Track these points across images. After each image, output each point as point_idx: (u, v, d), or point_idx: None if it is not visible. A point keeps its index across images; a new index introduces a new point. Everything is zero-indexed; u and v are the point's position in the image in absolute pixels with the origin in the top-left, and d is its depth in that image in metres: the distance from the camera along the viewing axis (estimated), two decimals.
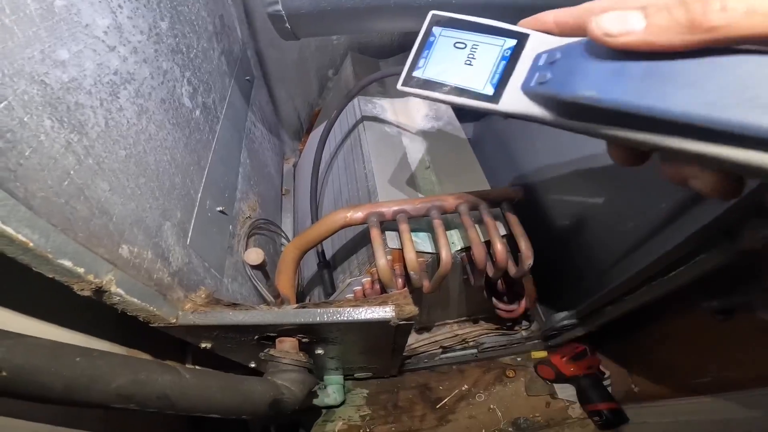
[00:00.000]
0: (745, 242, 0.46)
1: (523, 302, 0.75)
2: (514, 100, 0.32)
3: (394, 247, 0.57)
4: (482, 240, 0.56)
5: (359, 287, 0.66)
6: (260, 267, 0.45)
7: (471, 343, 0.98)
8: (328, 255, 0.79)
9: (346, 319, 0.47)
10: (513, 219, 0.57)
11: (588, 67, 0.26)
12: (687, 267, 0.57)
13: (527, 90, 0.31)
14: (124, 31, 0.39)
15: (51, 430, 0.42)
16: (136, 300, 0.37)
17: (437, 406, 1.07)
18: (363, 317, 0.48)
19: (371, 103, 0.84)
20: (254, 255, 0.43)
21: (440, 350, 0.99)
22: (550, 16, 0.31)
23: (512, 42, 0.33)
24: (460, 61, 0.35)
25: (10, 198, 0.25)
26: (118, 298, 0.36)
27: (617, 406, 0.98)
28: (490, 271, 0.57)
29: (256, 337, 0.52)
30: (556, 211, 0.83)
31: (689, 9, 0.20)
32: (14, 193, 0.26)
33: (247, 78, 0.87)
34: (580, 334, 0.98)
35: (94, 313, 0.44)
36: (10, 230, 0.25)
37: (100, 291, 0.33)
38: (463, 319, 0.97)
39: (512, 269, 0.57)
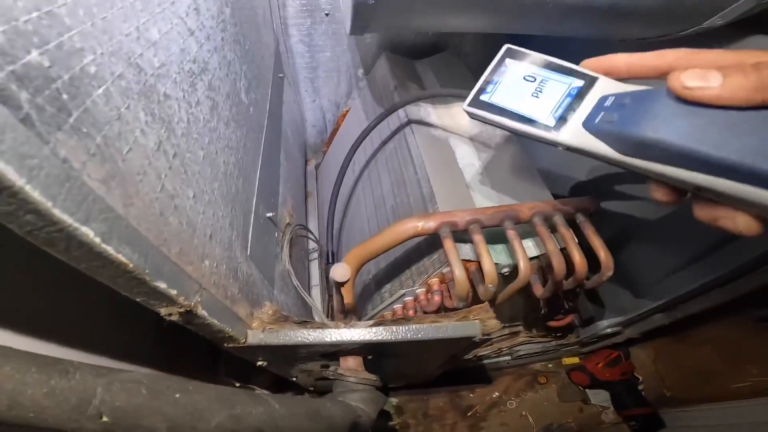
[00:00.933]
0: None
1: (573, 315, 0.72)
2: (575, 134, 0.35)
3: (468, 258, 0.53)
4: (558, 250, 0.52)
5: (411, 298, 0.62)
6: (343, 284, 0.40)
7: (505, 350, 0.94)
8: (369, 266, 0.74)
9: (429, 336, 0.43)
10: (590, 230, 0.54)
11: (656, 113, 0.29)
12: (745, 279, 0.58)
13: (590, 126, 0.34)
14: (200, 13, 0.34)
15: None
16: (216, 321, 0.32)
17: (468, 414, 1.05)
18: (445, 335, 0.44)
19: (416, 105, 0.79)
20: (342, 271, 0.38)
21: (474, 358, 0.95)
22: (621, 60, 0.34)
23: (580, 82, 0.36)
24: (527, 93, 0.38)
25: (112, 209, 0.20)
26: (200, 320, 0.31)
27: (653, 411, 0.98)
28: (567, 284, 0.54)
29: (320, 355, 0.48)
30: (614, 220, 0.80)
31: (762, 74, 0.24)
32: (113, 204, 0.21)
33: (280, 75, 0.82)
34: (620, 342, 0.96)
35: (129, 337, 0.41)
36: (110, 249, 0.20)
37: (188, 313, 0.28)
38: (500, 326, 0.93)
39: (591, 282, 0.54)
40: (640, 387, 1.04)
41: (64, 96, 0.18)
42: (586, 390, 1.08)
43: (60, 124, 0.17)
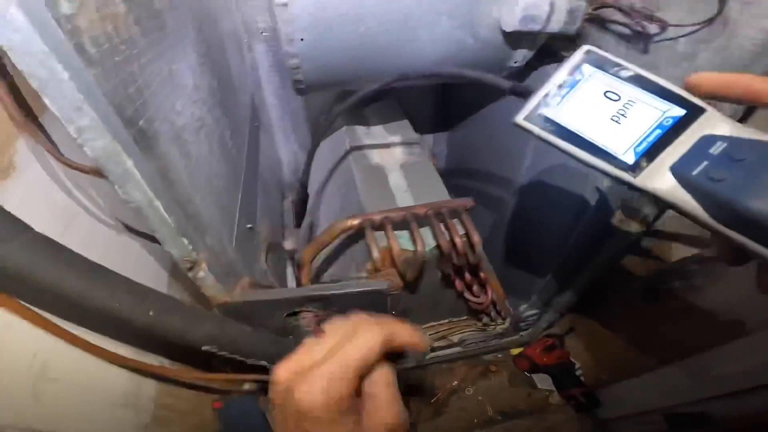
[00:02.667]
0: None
1: (489, 293, 0.92)
2: (658, 180, 0.28)
3: (383, 246, 0.75)
4: (447, 236, 0.75)
5: None
6: (293, 252, 0.61)
7: (455, 340, 1.12)
8: (332, 269, 0.96)
9: (349, 291, 0.62)
10: (466, 218, 0.77)
11: None
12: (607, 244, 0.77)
13: (682, 175, 0.28)
14: (199, 88, 0.58)
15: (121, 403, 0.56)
16: (212, 276, 0.53)
17: (431, 401, 1.21)
18: (363, 288, 0.63)
19: (359, 141, 1.05)
20: (289, 242, 0.60)
21: (429, 349, 1.14)
22: (749, 80, 0.27)
23: (679, 111, 0.29)
24: (606, 114, 0.31)
25: (167, 194, 0.42)
26: (203, 273, 0.51)
27: (589, 390, 1.14)
28: (455, 258, 0.76)
29: (285, 314, 0.67)
30: (510, 212, 1.04)
31: None
32: (165, 190, 0.43)
33: (256, 124, 1.06)
34: (545, 325, 1.16)
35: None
36: (166, 215, 0.41)
37: (194, 265, 0.49)
38: (445, 321, 1.13)
39: (470, 256, 0.76)
40: (579, 373, 1.20)
41: (151, 141, 0.40)
42: (532, 376, 1.24)
43: (150, 154, 0.39)
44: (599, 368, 1.20)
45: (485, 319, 1.10)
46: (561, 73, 0.33)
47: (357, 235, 0.79)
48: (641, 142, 0.29)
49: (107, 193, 0.54)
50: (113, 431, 0.52)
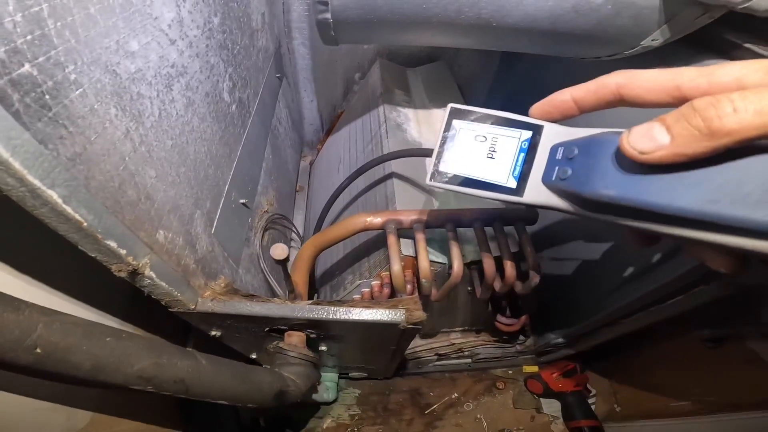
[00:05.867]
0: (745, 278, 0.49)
1: (523, 318, 0.77)
2: (537, 193, 0.34)
3: (408, 254, 0.59)
4: (493, 255, 0.58)
5: (367, 289, 0.69)
6: (283, 263, 0.47)
7: (466, 353, 1.00)
8: (340, 256, 0.81)
9: (356, 318, 0.49)
10: (525, 238, 0.59)
11: (607, 167, 0.28)
12: (685, 297, 0.60)
13: (548, 183, 0.33)
14: (184, 25, 0.41)
15: (50, 407, 0.44)
16: (164, 284, 0.39)
17: (426, 412, 1.10)
18: (373, 318, 0.50)
19: (396, 111, 0.86)
20: (279, 251, 0.45)
21: (435, 357, 1.01)
22: (566, 95, 0.32)
23: (528, 133, 0.35)
24: (482, 155, 0.36)
25: (75, 179, 0.27)
26: (149, 281, 0.37)
27: (598, 424, 1.01)
28: (497, 286, 0.59)
29: (266, 329, 0.54)
30: (562, 236, 0.86)
31: (705, 116, 0.22)
32: (76, 175, 0.28)
33: (278, 75, 0.89)
34: (572, 353, 1.01)
35: (106, 292, 0.47)
36: (69, 209, 0.27)
37: (135, 273, 0.35)
38: (462, 329, 0.99)
39: (518, 286, 0.59)
40: (593, 401, 1.08)
41: (47, 97, 0.25)
42: (540, 399, 1.12)
43: (40, 117, 0.24)
44: (618, 398, 1.07)
45: (507, 337, 0.96)
46: (441, 132, 0.38)
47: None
48: (514, 168, 0.35)
49: None
50: None
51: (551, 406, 1.09)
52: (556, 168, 0.32)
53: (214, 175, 0.52)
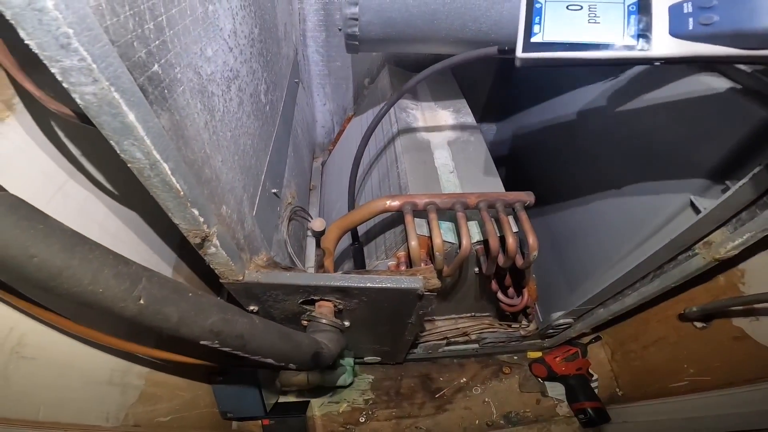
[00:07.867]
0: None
1: (525, 297, 0.84)
2: (669, 45, 0.34)
3: (422, 233, 0.66)
4: (497, 233, 0.66)
5: (385, 269, 0.76)
6: (320, 234, 0.54)
7: (473, 337, 1.06)
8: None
9: (380, 285, 0.56)
10: (524, 217, 0.67)
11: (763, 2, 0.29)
12: (663, 273, 0.68)
13: (683, 34, 0.33)
14: (237, 35, 0.49)
15: (107, 383, 0.51)
16: (224, 252, 0.46)
17: (436, 396, 1.16)
18: (395, 285, 0.57)
19: (405, 112, 0.94)
20: (318, 223, 0.52)
21: (444, 342, 1.07)
22: None
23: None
24: (582, 21, 0.36)
25: (178, 157, 0.35)
26: (214, 249, 0.45)
27: (601, 406, 1.07)
28: (501, 260, 0.67)
29: (301, 300, 0.61)
30: (562, 219, 0.94)
31: None
32: (178, 154, 0.35)
33: (296, 80, 0.97)
34: (574, 335, 1.08)
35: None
36: (173, 180, 0.34)
37: (205, 240, 0.42)
38: (469, 315, 1.06)
39: (520, 260, 0.67)
40: (595, 385, 1.13)
41: (165, 91, 0.32)
42: (545, 383, 1.18)
43: (162, 106, 0.32)
44: (619, 382, 1.13)
45: (510, 320, 1.03)
46: (525, 8, 0.38)
47: (392, 216, 0.71)
48: (629, 27, 0.35)
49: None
50: (93, 412, 0.48)
51: (555, 390, 1.16)
52: (691, 18, 0.33)
53: (255, 166, 0.60)
